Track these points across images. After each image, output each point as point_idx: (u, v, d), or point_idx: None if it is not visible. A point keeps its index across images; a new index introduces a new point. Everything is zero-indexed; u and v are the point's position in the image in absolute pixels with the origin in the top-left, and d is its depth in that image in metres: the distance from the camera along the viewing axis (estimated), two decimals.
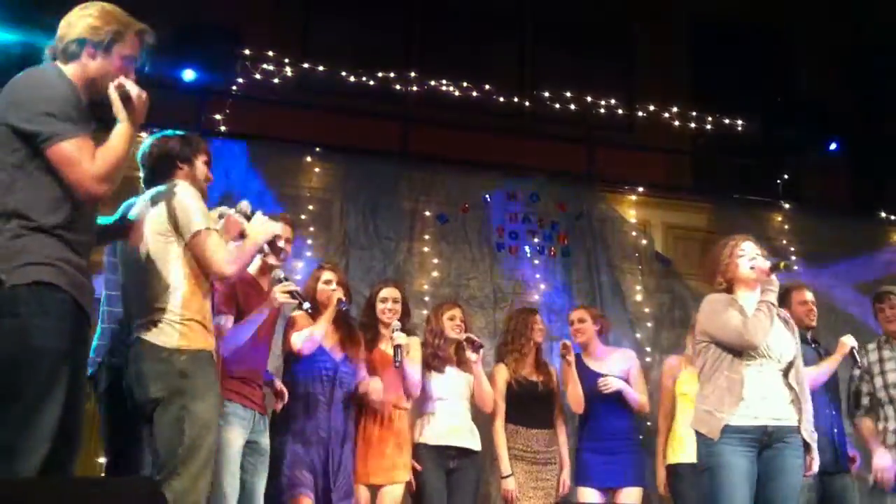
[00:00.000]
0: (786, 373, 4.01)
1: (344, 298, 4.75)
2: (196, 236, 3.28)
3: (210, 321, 3.40)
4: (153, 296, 3.29)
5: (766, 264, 4.06)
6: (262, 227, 3.55)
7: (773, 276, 4.05)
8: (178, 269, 3.30)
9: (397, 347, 4.89)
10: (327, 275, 4.84)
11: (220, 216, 3.67)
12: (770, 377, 3.95)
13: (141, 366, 3.24)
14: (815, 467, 4.04)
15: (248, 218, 3.62)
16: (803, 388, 4.04)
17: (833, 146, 7.54)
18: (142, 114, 2.96)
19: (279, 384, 4.47)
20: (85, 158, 2.78)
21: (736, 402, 3.87)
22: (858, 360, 5.15)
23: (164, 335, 3.24)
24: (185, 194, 3.34)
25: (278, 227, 3.79)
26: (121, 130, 2.91)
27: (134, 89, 2.95)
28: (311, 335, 4.58)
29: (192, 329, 3.28)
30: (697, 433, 3.99)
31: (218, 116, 6.26)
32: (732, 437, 3.84)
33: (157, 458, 3.20)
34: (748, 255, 4.09)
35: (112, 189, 2.87)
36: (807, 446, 3.96)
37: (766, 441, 3.88)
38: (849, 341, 5.11)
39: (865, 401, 5.32)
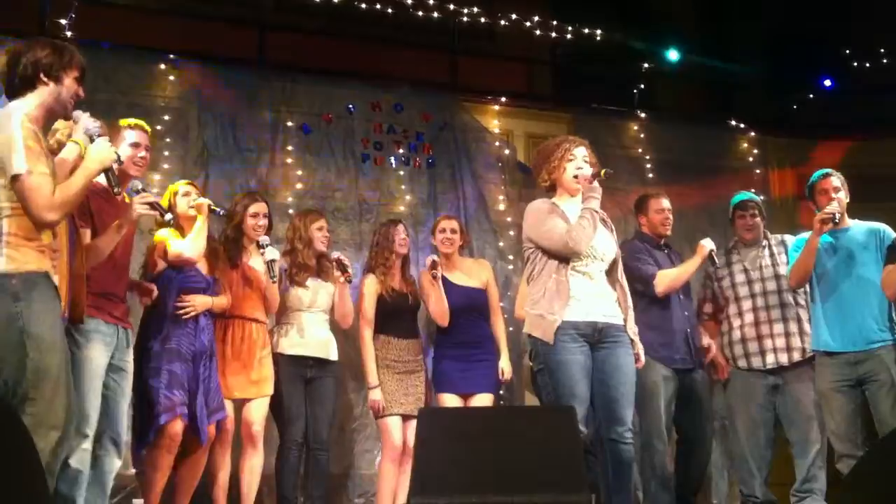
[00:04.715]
0: (609, 272, 4.18)
1: (212, 203, 4.67)
2: (14, 181, 3.10)
3: (47, 243, 3.21)
4: None
5: (589, 173, 4.14)
6: (99, 155, 3.36)
7: (596, 184, 4.14)
8: (4, 193, 3.13)
9: (271, 262, 4.85)
10: (184, 188, 4.73)
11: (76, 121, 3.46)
12: (596, 277, 4.11)
13: None
14: (643, 359, 4.23)
15: (92, 140, 3.42)
16: (625, 286, 4.23)
17: (675, 56, 7.73)
18: None
19: (148, 283, 4.36)
20: None
21: (565, 302, 4.00)
22: (717, 262, 5.32)
23: None
24: (14, 127, 3.13)
25: (114, 156, 3.47)
26: None
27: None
28: (194, 243, 4.48)
29: (21, 252, 3.13)
30: (531, 336, 4.11)
31: (63, 21, 5.88)
32: (566, 335, 3.97)
33: (6, 387, 3.06)
34: (576, 163, 4.17)
35: None
36: (632, 342, 4.15)
37: (596, 338, 4.03)
38: (707, 244, 5.29)
39: (708, 307, 5.61)
